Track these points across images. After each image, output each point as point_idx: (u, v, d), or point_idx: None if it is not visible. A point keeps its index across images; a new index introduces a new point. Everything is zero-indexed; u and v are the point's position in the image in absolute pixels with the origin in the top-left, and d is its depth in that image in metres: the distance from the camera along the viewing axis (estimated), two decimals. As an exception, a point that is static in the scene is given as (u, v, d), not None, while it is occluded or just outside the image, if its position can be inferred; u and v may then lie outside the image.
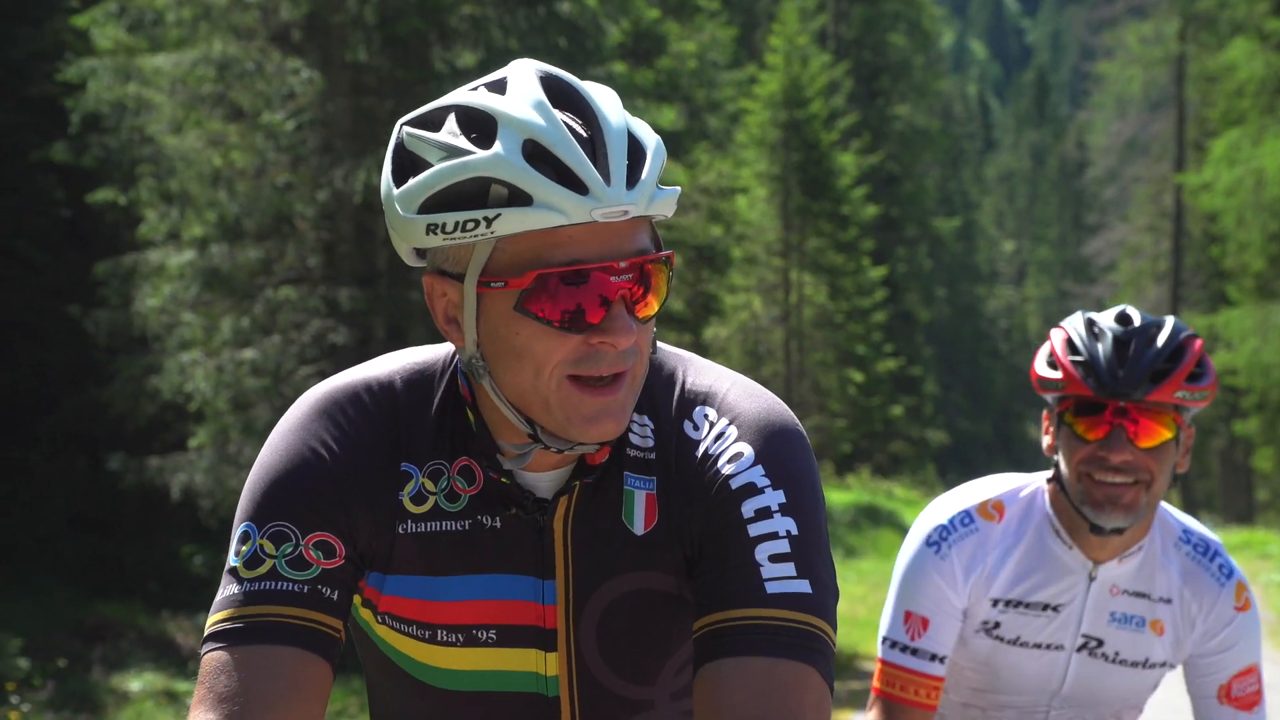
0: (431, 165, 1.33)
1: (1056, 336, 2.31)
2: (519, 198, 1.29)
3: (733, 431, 1.43)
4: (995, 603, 2.32)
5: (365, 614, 1.48)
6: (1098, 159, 39.33)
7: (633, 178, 1.32)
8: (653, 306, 1.35)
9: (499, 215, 1.29)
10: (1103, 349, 2.22)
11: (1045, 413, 2.30)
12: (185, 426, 13.33)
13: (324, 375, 11.82)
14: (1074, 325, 2.31)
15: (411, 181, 1.34)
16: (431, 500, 1.43)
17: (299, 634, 1.35)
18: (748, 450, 1.41)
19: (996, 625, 2.34)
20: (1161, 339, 2.23)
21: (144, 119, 12.10)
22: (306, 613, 1.36)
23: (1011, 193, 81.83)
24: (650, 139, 1.36)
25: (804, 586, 1.36)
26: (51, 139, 12.93)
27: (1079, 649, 2.34)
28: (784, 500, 1.39)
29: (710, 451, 1.42)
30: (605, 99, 1.36)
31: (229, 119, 12.19)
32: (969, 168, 67.18)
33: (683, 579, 1.43)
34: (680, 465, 1.43)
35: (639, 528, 1.42)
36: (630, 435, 1.44)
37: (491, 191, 1.30)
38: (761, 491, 1.39)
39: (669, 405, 1.45)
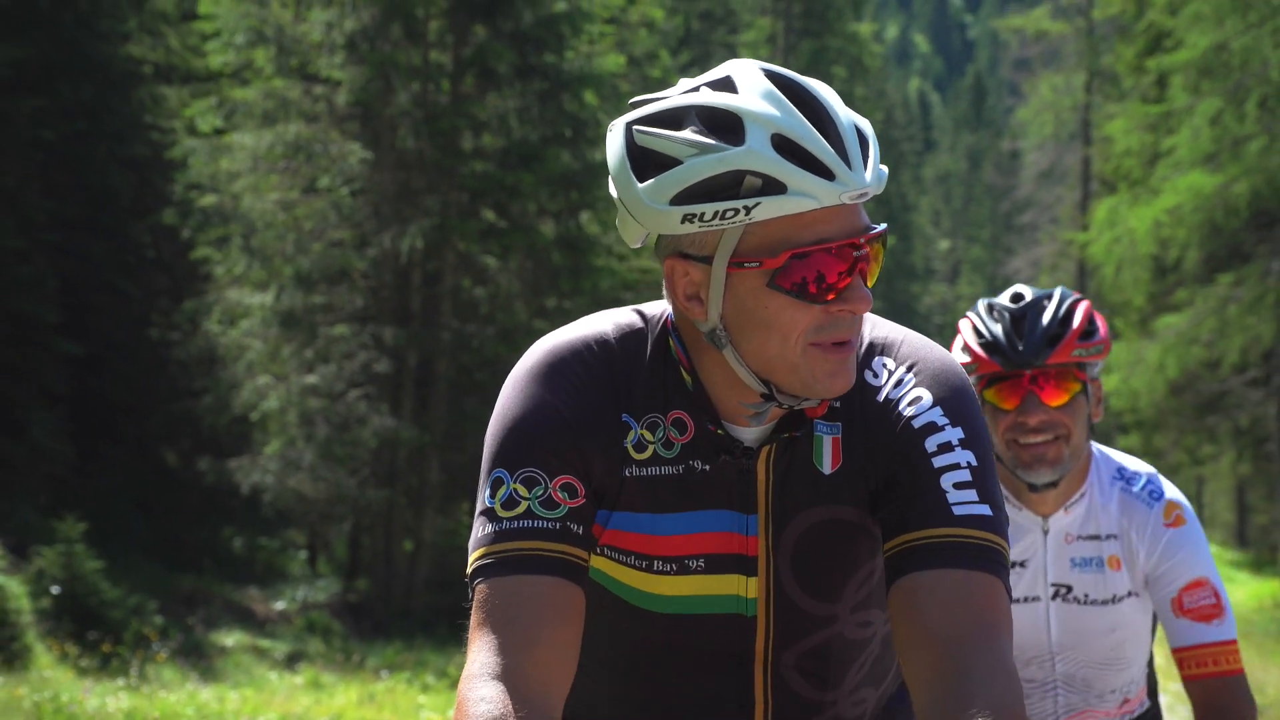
0: (680, 160, 1.45)
1: (964, 326, 2.52)
2: (773, 186, 1.43)
3: (910, 378, 1.59)
4: None
5: None
6: (1018, 184, 42.91)
7: (866, 162, 1.48)
8: (876, 275, 1.51)
9: (758, 203, 1.43)
10: (1002, 327, 2.44)
11: None
12: (247, 434, 16.40)
13: (369, 398, 15.05)
14: (976, 312, 2.52)
15: (662, 176, 1.46)
16: (651, 448, 1.59)
17: (557, 565, 1.52)
18: (926, 394, 1.57)
19: None
20: (1050, 308, 2.45)
21: (231, 186, 15.10)
22: (561, 546, 1.53)
23: (948, 193, 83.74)
24: (868, 128, 1.52)
25: (985, 510, 1.52)
26: (144, 195, 15.90)
27: (1053, 598, 2.48)
28: (963, 436, 1.55)
29: (891, 396, 1.59)
30: (828, 94, 1.50)
31: (300, 189, 15.22)
32: (908, 170, 69.95)
33: (864, 510, 1.60)
34: (864, 410, 1.59)
35: (827, 468, 1.59)
36: None
37: (745, 182, 1.44)
38: (941, 429, 1.55)
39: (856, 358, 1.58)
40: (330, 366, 15.08)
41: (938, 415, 1.57)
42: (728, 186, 1.45)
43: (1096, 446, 2.52)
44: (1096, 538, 2.47)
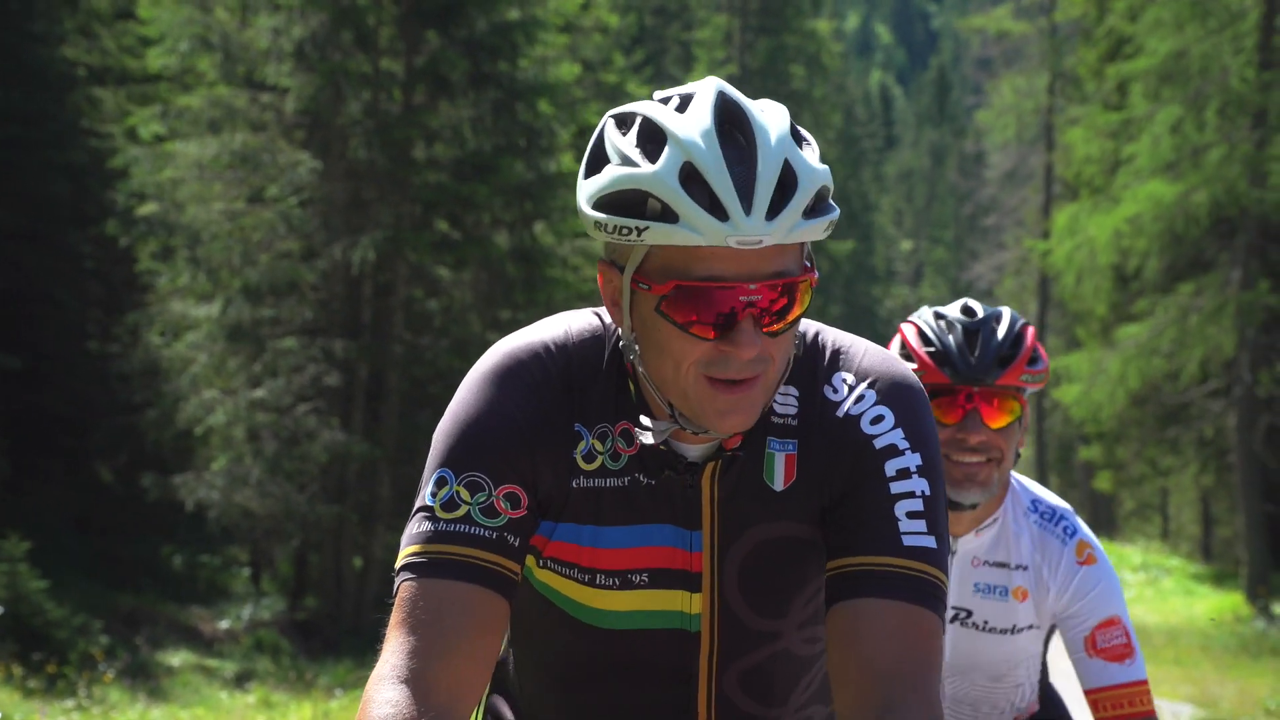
0: (610, 164, 1.55)
1: (908, 330, 2.57)
2: (668, 214, 1.50)
3: (871, 394, 1.65)
4: None
5: (528, 559, 1.71)
6: (981, 185, 44.18)
7: (776, 209, 1.50)
8: (784, 323, 1.54)
9: (648, 227, 1.50)
10: (954, 339, 2.50)
11: None
12: (189, 449, 16.96)
13: (319, 412, 15.70)
14: (924, 318, 2.57)
15: (593, 179, 1.56)
16: (599, 459, 1.66)
17: (487, 575, 1.57)
18: (888, 413, 1.64)
19: None
20: (1003, 328, 2.53)
21: (175, 195, 15.69)
22: (494, 557, 1.58)
23: (910, 191, 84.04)
24: (808, 171, 1.53)
25: (931, 542, 1.59)
26: (82, 203, 16.43)
27: (951, 620, 2.56)
28: (920, 463, 1.63)
29: (851, 412, 1.65)
30: (774, 126, 1.54)
31: (245, 199, 15.84)
32: (869, 167, 70.76)
33: (815, 526, 1.67)
34: (822, 425, 1.65)
35: (779, 484, 1.66)
36: (774, 404, 1.67)
37: (648, 204, 1.51)
38: (902, 453, 1.62)
39: (811, 372, 1.68)
40: (279, 380, 15.70)
41: (899, 438, 1.64)
42: (635, 204, 1.52)
43: (1014, 476, 2.62)
44: (1005, 566, 2.56)
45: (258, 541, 17.81)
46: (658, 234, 1.51)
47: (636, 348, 1.60)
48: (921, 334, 2.57)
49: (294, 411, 15.70)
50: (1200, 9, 21.60)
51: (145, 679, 13.31)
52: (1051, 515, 2.57)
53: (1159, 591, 24.30)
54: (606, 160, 1.56)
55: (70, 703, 11.49)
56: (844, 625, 1.58)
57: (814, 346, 1.71)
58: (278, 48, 15.34)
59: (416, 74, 15.60)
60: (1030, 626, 2.57)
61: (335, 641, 15.68)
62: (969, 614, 2.59)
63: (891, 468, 1.63)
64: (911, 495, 1.62)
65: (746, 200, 1.50)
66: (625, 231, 1.52)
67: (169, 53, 15.52)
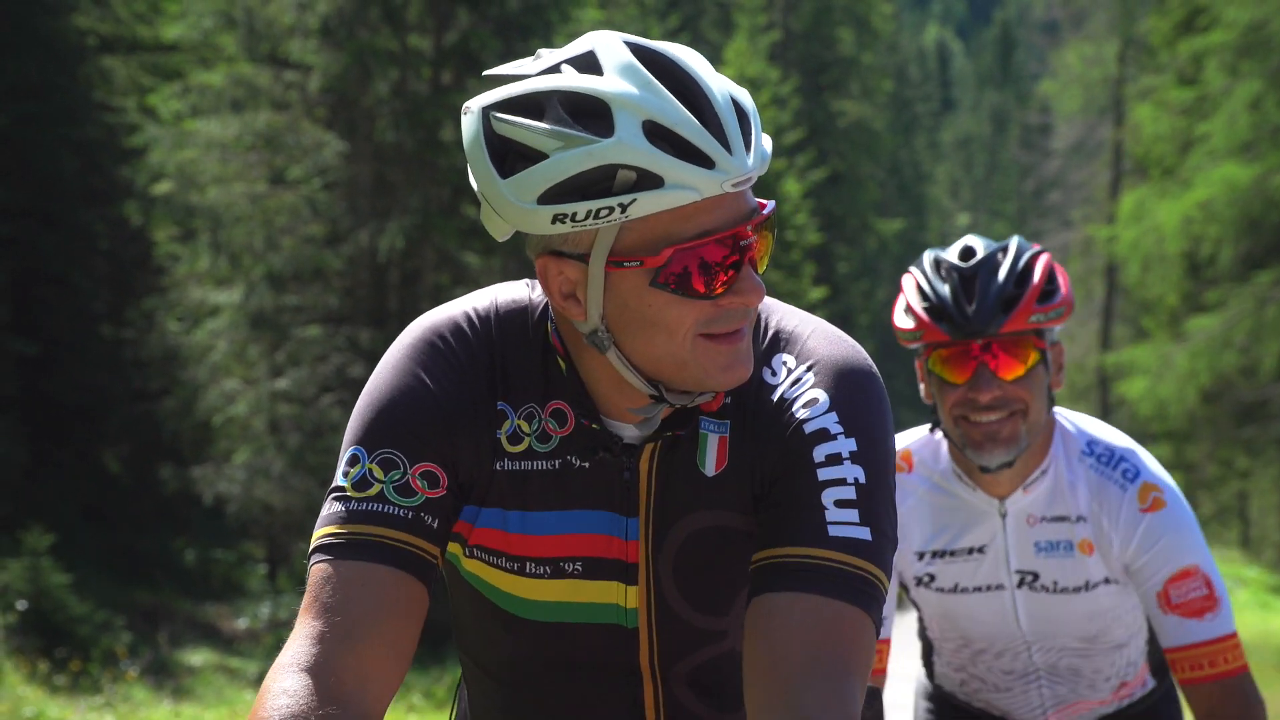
0: (545, 154, 1.51)
1: (907, 283, 2.56)
2: (649, 180, 1.50)
3: (809, 377, 1.68)
4: (920, 555, 2.60)
5: (454, 548, 1.76)
6: (1043, 161, 44.56)
7: (747, 143, 1.55)
8: (767, 258, 1.59)
9: (634, 200, 1.49)
10: (949, 289, 2.47)
11: (917, 361, 2.55)
12: (204, 440, 17.93)
13: (343, 404, 16.61)
14: (922, 268, 2.55)
15: (527, 171, 1.52)
16: (526, 441, 1.69)
17: (401, 556, 1.61)
18: (823, 396, 1.66)
19: (931, 578, 2.60)
20: (1005, 266, 2.48)
21: (196, 177, 16.61)
22: (409, 537, 1.62)
23: (969, 160, 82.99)
24: (747, 100, 1.58)
25: (864, 534, 1.60)
26: (95, 181, 17.37)
27: (1018, 585, 2.56)
28: (855, 449, 1.63)
29: (786, 396, 1.67)
30: (700, 66, 1.57)
31: (267, 180, 16.75)
32: (923, 134, 70.43)
33: (750, 517, 1.70)
34: (757, 408, 1.68)
35: (710, 469, 1.68)
36: None
37: (619, 177, 1.50)
38: (834, 438, 1.64)
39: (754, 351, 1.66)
40: (302, 370, 16.62)
41: (831, 422, 1.66)
42: (599, 182, 1.51)
43: (1063, 415, 2.55)
44: (1065, 519, 2.51)
45: (275, 537, 18.77)
46: (646, 203, 1.51)
47: (609, 334, 1.61)
48: (919, 288, 2.54)
49: (317, 403, 16.61)
50: (1282, -23, 22.09)
51: (168, 677, 14.28)
52: (1110, 457, 2.51)
53: (1233, 605, 24.80)
54: (529, 151, 1.53)
55: (99, 699, 12.46)
56: (759, 619, 1.60)
57: (758, 327, 1.73)
58: (303, 24, 16.19)
59: (446, 53, 16.42)
60: (1107, 580, 2.53)
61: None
62: (1035, 577, 2.56)
63: (821, 453, 1.65)
64: (842, 483, 1.63)
65: (721, 141, 1.53)
66: (605, 213, 1.51)
67: (191, 27, 16.38)
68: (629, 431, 1.70)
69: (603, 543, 1.72)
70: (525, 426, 1.70)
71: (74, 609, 13.88)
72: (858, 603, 1.60)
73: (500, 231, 1.62)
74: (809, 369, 1.70)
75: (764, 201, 1.61)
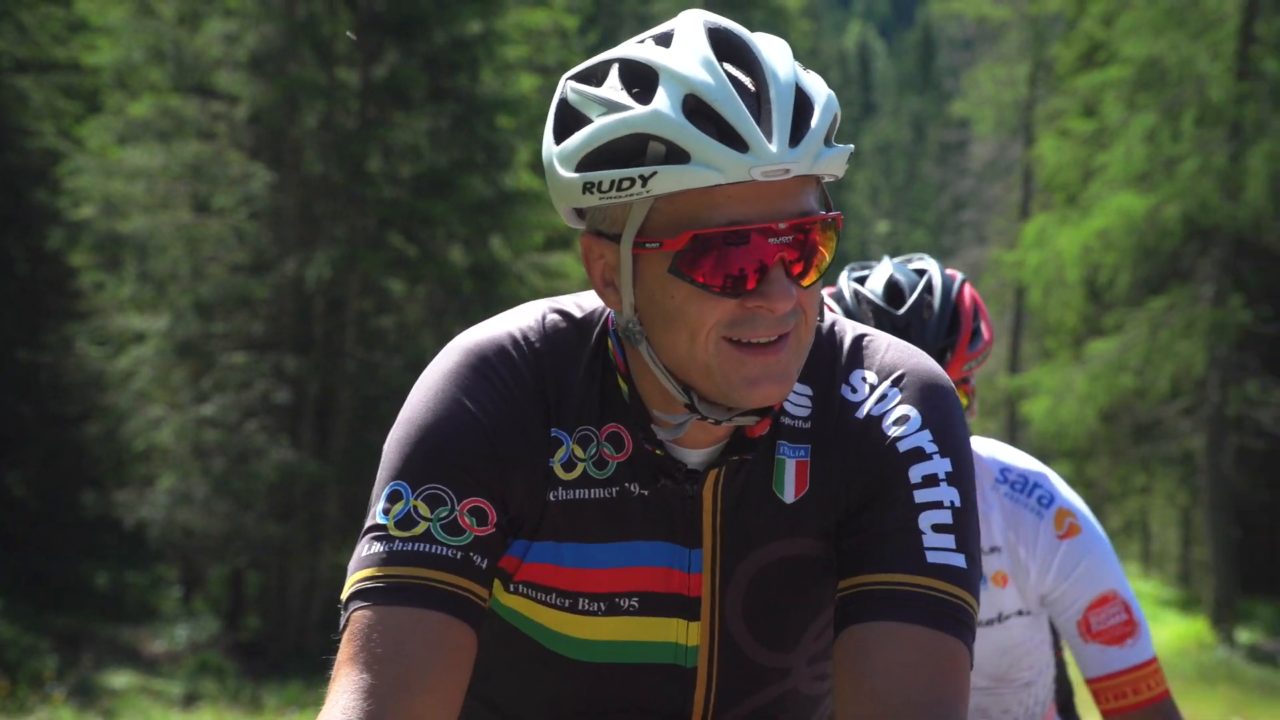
0: (590, 119, 1.51)
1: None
2: (676, 155, 1.46)
3: (895, 393, 1.63)
4: None
5: (494, 585, 1.65)
6: (958, 177, 46.17)
7: (797, 135, 1.48)
8: (816, 271, 1.51)
9: (655, 173, 1.45)
10: None
11: None
12: (123, 464, 18.65)
13: (268, 430, 17.46)
14: (845, 303, 2.52)
15: (571, 138, 1.52)
16: (580, 467, 1.62)
17: (452, 600, 1.54)
18: (914, 413, 1.62)
19: None
20: (935, 312, 2.45)
21: (122, 206, 17.36)
22: (459, 580, 1.55)
23: (889, 166, 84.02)
24: (821, 93, 1.53)
25: (960, 560, 1.56)
26: (13, 207, 18.01)
27: None
28: (950, 469, 1.60)
29: (873, 413, 1.63)
30: (775, 51, 1.53)
31: (192, 209, 17.53)
32: (844, 140, 71.48)
33: (830, 544, 1.64)
34: (840, 429, 1.63)
35: (789, 496, 1.62)
36: (785, 405, 1.64)
37: (650, 149, 1.47)
38: (930, 458, 1.60)
39: (828, 369, 1.65)
40: (227, 396, 17.44)
41: (926, 440, 1.62)
42: (632, 153, 1.49)
43: (978, 444, 2.55)
44: None
45: (190, 560, 19.51)
46: (667, 179, 1.48)
47: (641, 328, 1.57)
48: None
49: (242, 429, 17.44)
50: (1177, 15, 23.63)
51: (93, 700, 15.05)
52: (1023, 484, 2.52)
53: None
54: (582, 119, 1.53)
55: (33, 722, 13.23)
56: (854, 651, 1.57)
57: (830, 339, 1.70)
58: (231, 56, 17.02)
59: (374, 87, 17.35)
60: (1019, 612, 2.55)
61: (280, 663, 17.47)
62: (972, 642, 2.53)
63: (917, 474, 1.62)
64: (939, 505, 1.60)
65: (766, 126, 1.49)
66: (626, 184, 1.49)
67: (119, 60, 17.10)
68: (694, 457, 1.65)
69: (662, 576, 1.67)
70: (579, 452, 1.65)
71: (1, 633, 14.57)
72: (957, 634, 1.58)
73: (564, 214, 1.62)
74: (894, 384, 1.67)
75: (826, 208, 1.56)
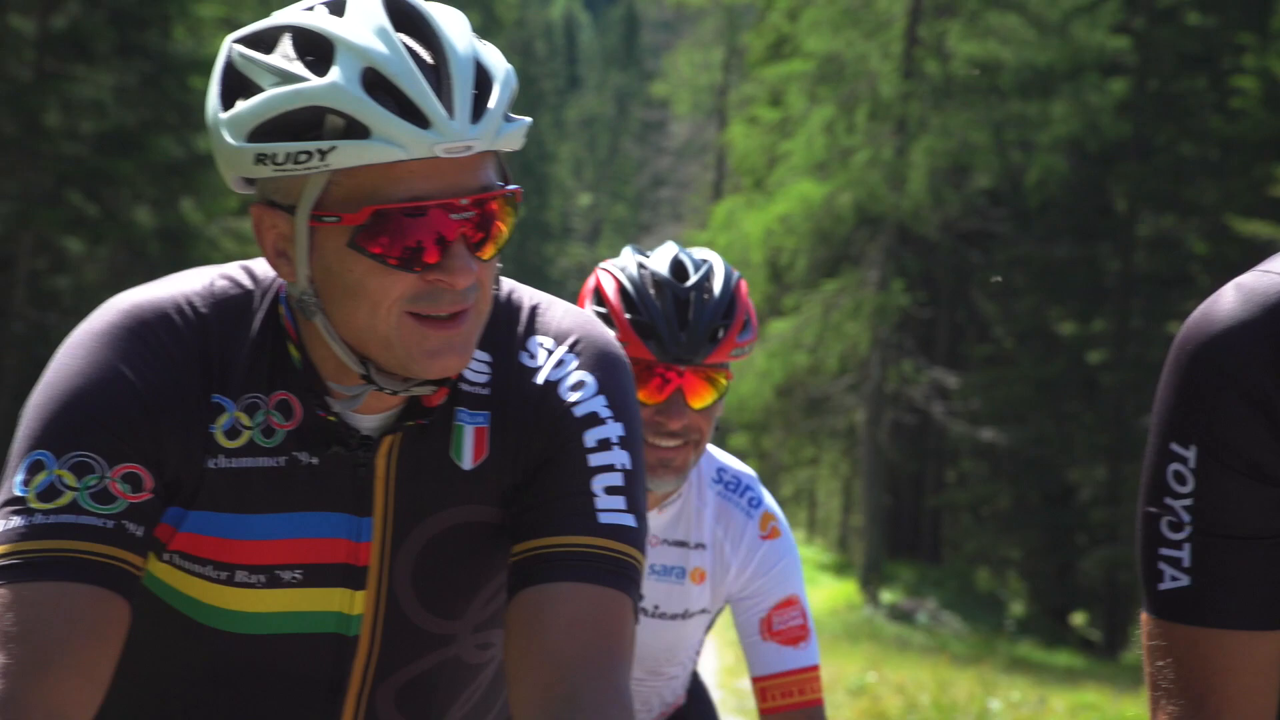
0: (263, 89, 1.48)
1: (607, 283, 2.53)
2: (356, 130, 1.45)
3: (572, 359, 1.68)
4: None
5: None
6: (657, 156, 47.53)
7: (479, 110, 1.49)
8: (495, 245, 1.54)
9: (334, 148, 1.45)
10: (663, 308, 2.48)
11: None
12: None
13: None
14: (628, 273, 2.53)
15: (241, 106, 1.49)
16: (246, 435, 1.60)
17: (103, 572, 1.49)
18: (590, 379, 1.67)
19: None
20: (718, 293, 2.51)
21: None
22: (112, 549, 1.50)
23: (593, 140, 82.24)
24: (500, 68, 1.54)
25: (630, 520, 1.64)
26: None
27: None
28: (623, 433, 1.66)
29: (550, 378, 1.67)
30: (453, 24, 1.53)
31: None
32: (548, 112, 71.76)
33: (506, 511, 1.68)
34: (519, 395, 1.66)
35: (468, 463, 1.65)
36: (464, 372, 1.66)
37: (327, 122, 1.46)
38: (604, 422, 1.66)
39: (507, 336, 1.69)
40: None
41: (601, 405, 1.68)
42: (308, 125, 1.48)
43: None
44: (684, 545, 2.63)
45: None
46: (347, 154, 1.47)
47: (316, 300, 1.56)
48: (625, 294, 2.54)
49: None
50: (853, 15, 25.25)
51: None
52: (736, 485, 2.64)
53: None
54: (251, 87, 1.52)
55: None
56: (527, 613, 1.61)
57: (508, 306, 1.73)
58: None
59: (53, 38, 16.78)
60: (702, 611, 2.68)
61: None
62: (640, 598, 2.75)
63: (591, 438, 1.66)
64: (611, 469, 1.66)
65: (447, 102, 1.49)
66: (303, 158, 1.47)
67: None
68: (368, 423, 1.66)
69: (328, 547, 1.67)
70: (246, 419, 1.63)
71: None
72: (624, 589, 1.64)
73: (230, 180, 1.60)
74: (570, 349, 1.71)
75: (505, 181, 1.58)
